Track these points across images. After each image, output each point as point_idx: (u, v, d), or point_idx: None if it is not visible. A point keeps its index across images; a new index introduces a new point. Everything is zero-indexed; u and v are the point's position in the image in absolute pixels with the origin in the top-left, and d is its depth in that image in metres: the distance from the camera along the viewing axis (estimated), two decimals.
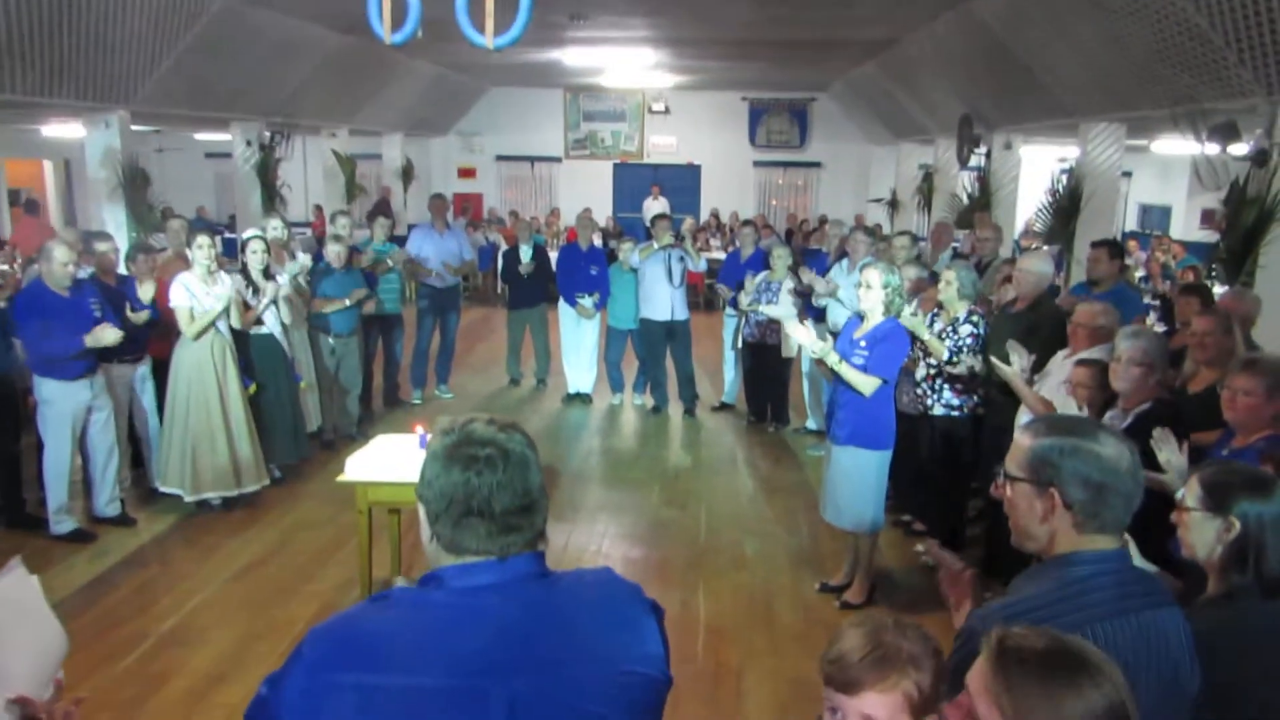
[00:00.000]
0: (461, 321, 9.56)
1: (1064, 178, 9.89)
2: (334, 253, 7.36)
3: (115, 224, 9.07)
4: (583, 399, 9.16)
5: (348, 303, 7.30)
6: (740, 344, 8.35)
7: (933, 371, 5.31)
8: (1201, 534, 2.19)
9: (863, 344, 4.76)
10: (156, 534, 5.87)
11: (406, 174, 16.21)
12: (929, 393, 5.34)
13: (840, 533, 5.21)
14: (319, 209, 16.03)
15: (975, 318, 5.26)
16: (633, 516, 6.34)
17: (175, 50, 8.74)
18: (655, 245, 8.39)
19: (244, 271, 6.46)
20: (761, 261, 8.23)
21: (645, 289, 8.47)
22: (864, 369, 4.69)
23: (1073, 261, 9.07)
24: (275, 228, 7.31)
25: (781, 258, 7.81)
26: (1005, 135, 11.16)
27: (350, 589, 5.00)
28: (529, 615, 1.47)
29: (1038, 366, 4.69)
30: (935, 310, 5.48)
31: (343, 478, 4.75)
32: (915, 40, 10.89)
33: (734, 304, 8.40)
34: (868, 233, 7.53)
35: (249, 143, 11.20)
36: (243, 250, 6.58)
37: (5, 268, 8.88)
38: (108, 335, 5.44)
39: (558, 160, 19.39)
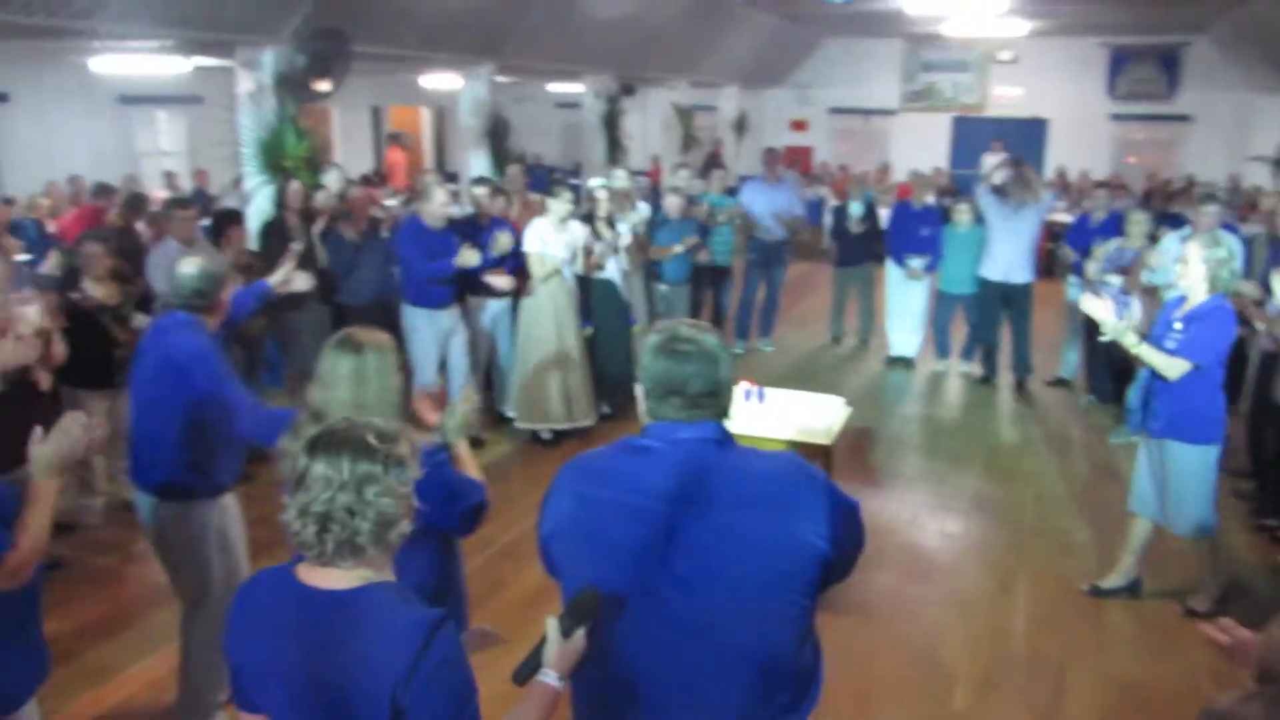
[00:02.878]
0: (787, 276, 9.62)
1: None
2: (672, 204, 7.63)
3: (479, 168, 9.95)
4: (905, 363, 8.96)
5: (678, 249, 7.56)
6: (1084, 316, 7.77)
7: None
8: None
9: (1178, 325, 4.26)
10: (502, 454, 6.50)
11: (740, 125, 16.41)
12: None
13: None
14: (656, 159, 16.63)
15: None
16: (951, 489, 6.16)
17: (540, 6, 9.37)
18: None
19: (589, 218, 6.86)
20: (1115, 227, 7.58)
21: (994, 247, 8.01)
22: (1174, 352, 4.20)
23: None
24: (620, 178, 7.68)
25: (1139, 223, 7.14)
26: None
27: None
28: (704, 465, 1.89)
29: None
30: None
31: None
32: None
33: (1078, 271, 7.82)
34: (1216, 201, 6.66)
35: (597, 94, 11.82)
36: (589, 198, 6.98)
37: (392, 202, 9.99)
38: (471, 257, 6.02)
39: (892, 113, 18.80)
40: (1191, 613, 4.54)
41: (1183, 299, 4.36)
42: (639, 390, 1.97)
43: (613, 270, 6.90)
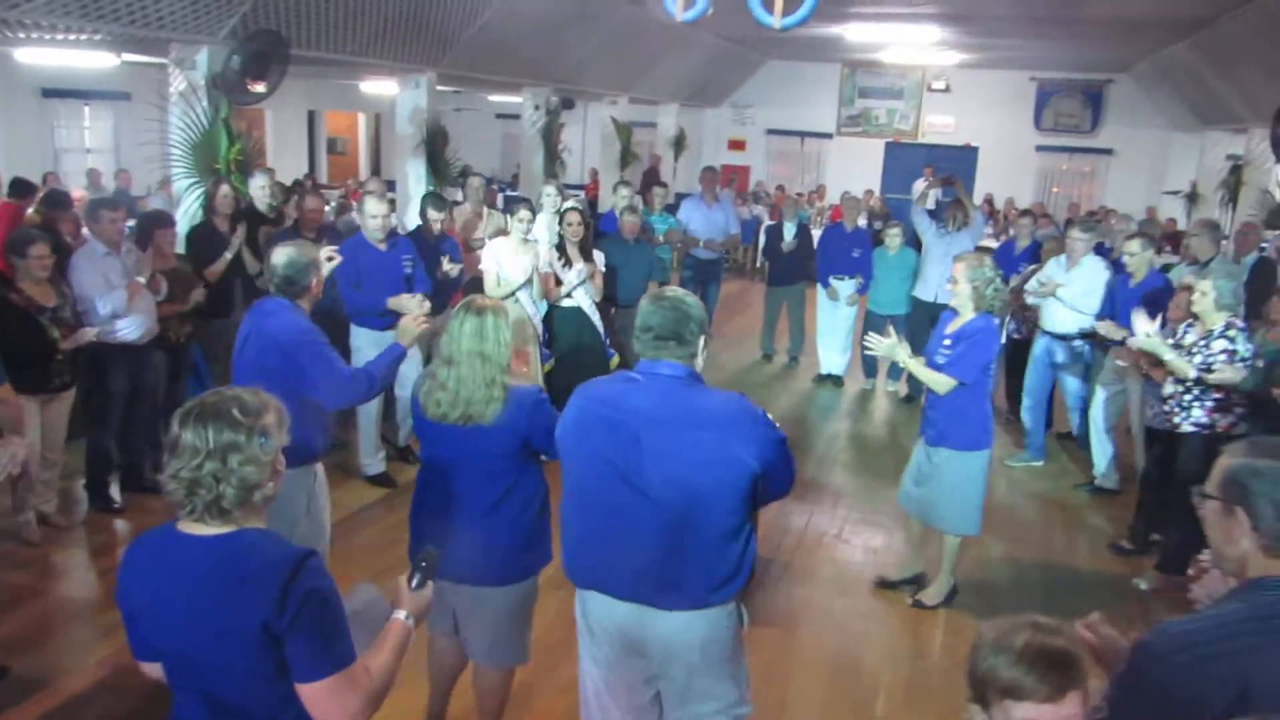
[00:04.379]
0: (721, 293, 9.72)
1: None
2: (628, 224, 7.25)
3: (416, 177, 9.90)
4: (834, 381, 9.11)
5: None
6: (1005, 339, 7.99)
7: (1181, 389, 4.85)
8: None
9: (947, 341, 4.53)
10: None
11: (678, 143, 16.55)
12: (1177, 409, 4.87)
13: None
14: (594, 173, 16.69)
15: (1233, 332, 4.70)
16: (875, 505, 6.27)
17: (483, 17, 9.38)
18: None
19: (560, 245, 6.45)
20: (1036, 254, 7.82)
21: (928, 268, 8.19)
22: (942, 368, 4.48)
23: None
24: (549, 194, 7.40)
25: (1053, 251, 7.37)
26: None
27: None
28: (670, 393, 2.55)
29: None
30: (1190, 321, 4.98)
31: None
32: (1239, 18, 9.89)
33: None
34: (1087, 229, 6.92)
35: (537, 107, 11.84)
36: (560, 222, 6.59)
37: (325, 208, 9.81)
38: (408, 304, 5.21)
39: (828, 136, 19.15)
40: (918, 604, 4.88)
41: (954, 313, 4.62)
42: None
43: (581, 298, 6.41)
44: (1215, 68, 12.01)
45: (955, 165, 17.80)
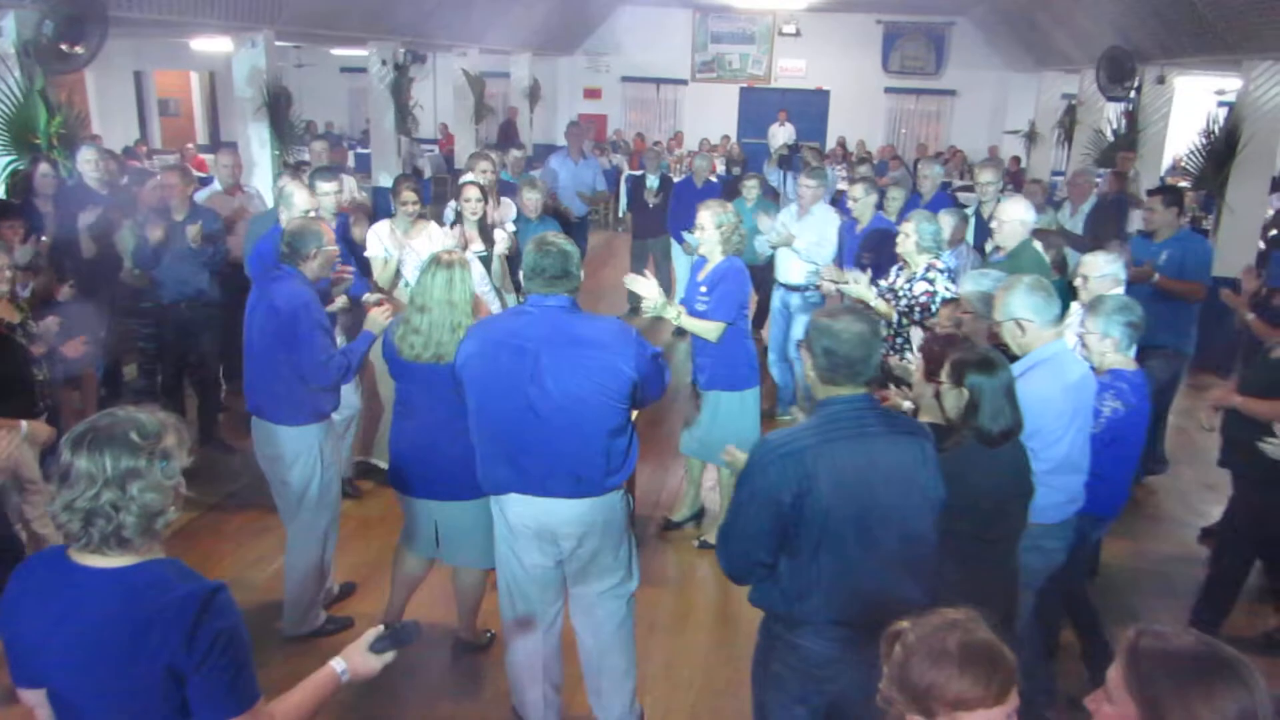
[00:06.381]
0: (588, 248, 9.62)
1: (1221, 114, 9.33)
2: (531, 201, 6.78)
3: (259, 141, 9.40)
4: None
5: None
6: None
7: (891, 331, 4.82)
8: (949, 399, 2.99)
9: (703, 289, 4.69)
10: None
11: (533, 94, 16.24)
12: (891, 351, 4.79)
13: None
14: (445, 127, 16.26)
15: (933, 274, 4.70)
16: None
17: None
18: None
19: (456, 220, 5.85)
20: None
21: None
22: (706, 315, 4.62)
23: (1225, 209, 8.61)
24: (485, 171, 6.52)
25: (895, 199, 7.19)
26: (1158, 68, 10.52)
27: None
28: (557, 320, 3.07)
29: None
30: (899, 265, 5.01)
31: None
32: None
33: None
34: (814, 176, 6.77)
35: (384, 62, 11.39)
36: (457, 197, 5.90)
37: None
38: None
39: (683, 83, 19.15)
40: (704, 544, 5.05)
41: (704, 261, 4.78)
42: (520, 274, 3.18)
43: (481, 284, 5.55)
44: (1047, 10, 12.51)
45: (808, 108, 18.14)
